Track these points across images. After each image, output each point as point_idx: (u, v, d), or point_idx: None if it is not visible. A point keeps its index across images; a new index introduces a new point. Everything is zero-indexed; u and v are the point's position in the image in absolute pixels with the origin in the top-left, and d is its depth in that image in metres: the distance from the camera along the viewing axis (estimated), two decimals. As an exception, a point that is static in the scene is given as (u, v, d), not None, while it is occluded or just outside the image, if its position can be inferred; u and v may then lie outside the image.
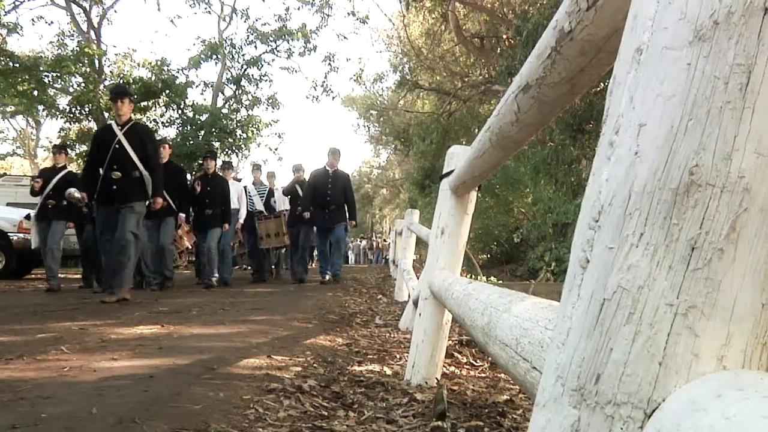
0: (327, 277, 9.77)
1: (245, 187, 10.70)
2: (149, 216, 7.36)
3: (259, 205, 10.70)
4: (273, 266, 11.58)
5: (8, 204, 12.26)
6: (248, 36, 20.01)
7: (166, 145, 8.75)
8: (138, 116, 18.74)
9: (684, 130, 0.57)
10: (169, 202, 7.82)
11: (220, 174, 9.50)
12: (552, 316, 0.92)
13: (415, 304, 3.67)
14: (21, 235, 10.10)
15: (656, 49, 0.60)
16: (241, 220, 9.91)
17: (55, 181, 7.88)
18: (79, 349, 3.40)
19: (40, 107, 18.88)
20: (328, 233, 9.66)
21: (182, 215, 8.64)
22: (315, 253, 14.62)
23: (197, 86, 19.81)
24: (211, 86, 20.29)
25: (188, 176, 10.61)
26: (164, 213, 7.85)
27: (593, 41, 0.98)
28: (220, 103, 20.54)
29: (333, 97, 22.78)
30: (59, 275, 8.03)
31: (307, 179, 10.12)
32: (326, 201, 9.40)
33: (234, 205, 9.58)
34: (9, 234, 10.19)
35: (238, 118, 19.61)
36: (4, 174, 17.46)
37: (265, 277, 10.64)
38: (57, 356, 3.19)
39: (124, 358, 3.15)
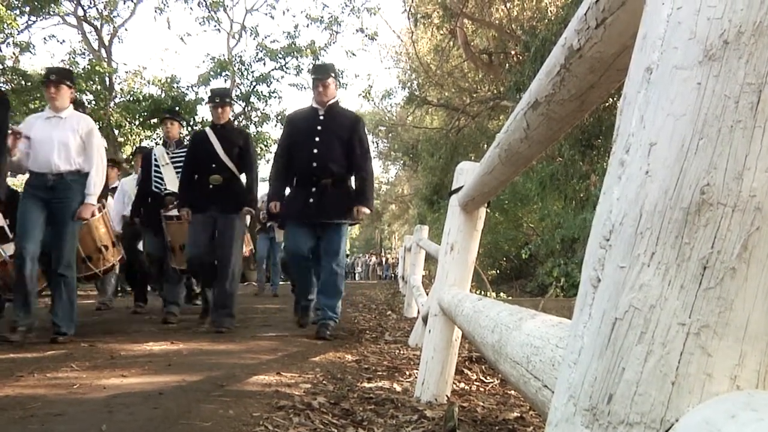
0: (310, 317, 5.30)
1: (150, 151, 6.27)
2: None
3: (173, 184, 5.75)
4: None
5: None
6: (257, 53, 20.13)
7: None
8: (148, 133, 18.93)
9: (695, 149, 0.57)
10: None
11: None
12: (563, 335, 0.92)
13: (425, 320, 3.66)
14: None
15: (666, 69, 0.60)
16: (88, 200, 4.49)
17: None
18: (88, 366, 3.41)
19: (52, 124, 19.04)
20: (313, 232, 4.86)
21: None
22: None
23: (207, 103, 19.95)
24: (221, 103, 20.38)
25: None
26: None
27: (602, 59, 0.99)
28: (229, 119, 20.65)
29: (342, 113, 22.85)
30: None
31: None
32: (311, 169, 4.77)
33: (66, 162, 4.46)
34: None
35: (247, 135, 19.69)
36: None
37: (171, 313, 5.72)
38: (67, 373, 3.20)
39: (134, 375, 3.16)
